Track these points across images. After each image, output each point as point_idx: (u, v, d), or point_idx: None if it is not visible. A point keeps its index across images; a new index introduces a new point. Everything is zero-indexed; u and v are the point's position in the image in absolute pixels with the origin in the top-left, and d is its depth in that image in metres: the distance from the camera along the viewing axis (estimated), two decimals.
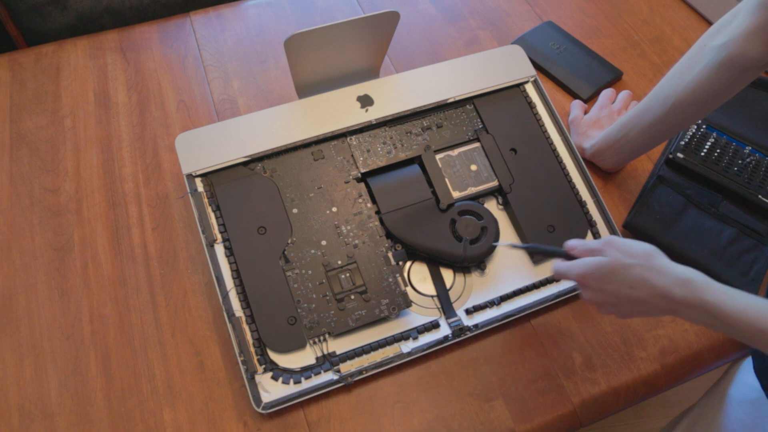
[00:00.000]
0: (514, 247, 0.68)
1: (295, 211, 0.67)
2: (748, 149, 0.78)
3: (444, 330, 0.65)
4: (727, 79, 0.59)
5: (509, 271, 0.69)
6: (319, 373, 0.61)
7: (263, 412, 0.59)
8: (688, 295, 0.48)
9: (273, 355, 0.61)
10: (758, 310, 0.46)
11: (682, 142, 0.79)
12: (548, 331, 0.68)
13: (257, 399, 0.59)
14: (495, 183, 0.72)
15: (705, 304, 0.47)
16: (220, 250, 0.64)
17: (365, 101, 0.73)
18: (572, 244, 0.57)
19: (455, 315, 0.66)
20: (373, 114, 0.72)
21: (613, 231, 0.72)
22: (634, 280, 0.50)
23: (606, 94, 0.83)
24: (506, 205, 0.72)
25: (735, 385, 0.68)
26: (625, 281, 0.50)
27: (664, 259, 0.50)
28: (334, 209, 0.68)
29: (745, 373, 0.67)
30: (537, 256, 0.69)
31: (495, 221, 0.69)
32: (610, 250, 0.52)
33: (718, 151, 0.78)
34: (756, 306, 0.46)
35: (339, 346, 0.63)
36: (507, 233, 0.71)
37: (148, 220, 0.72)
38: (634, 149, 0.73)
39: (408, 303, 0.64)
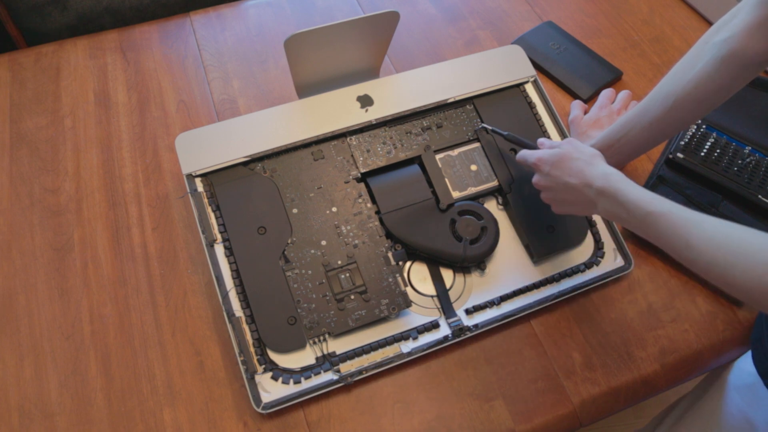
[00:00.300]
0: (494, 131, 0.72)
1: (295, 211, 0.67)
2: (748, 149, 0.78)
3: (444, 330, 0.65)
4: (729, 75, 0.60)
5: (509, 271, 0.69)
6: (319, 373, 0.61)
7: (263, 412, 0.59)
8: (605, 184, 0.55)
9: (273, 355, 0.61)
10: (651, 196, 0.52)
11: (682, 142, 0.79)
12: (548, 331, 0.68)
13: (257, 399, 0.59)
14: (495, 183, 0.72)
15: (616, 192, 0.54)
16: (220, 250, 0.64)
17: (365, 101, 0.73)
18: (541, 140, 0.66)
19: (455, 315, 0.66)
20: (373, 114, 0.72)
21: (613, 231, 0.72)
22: (574, 169, 0.58)
23: (606, 94, 0.83)
24: (506, 205, 0.72)
25: (733, 373, 0.69)
26: (566, 169, 0.58)
27: (601, 160, 0.58)
28: (334, 209, 0.68)
29: (743, 361, 0.68)
30: (515, 148, 0.73)
31: (495, 221, 0.69)
32: (567, 145, 0.61)
33: (718, 151, 0.78)
34: (651, 195, 0.53)
35: (339, 346, 0.63)
36: (507, 233, 0.71)
37: (148, 220, 0.72)
38: (635, 149, 0.73)
39: (408, 303, 0.65)
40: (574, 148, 0.59)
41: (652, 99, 0.67)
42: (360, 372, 0.62)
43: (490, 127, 0.72)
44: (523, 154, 0.65)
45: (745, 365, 0.67)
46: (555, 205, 0.62)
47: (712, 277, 0.48)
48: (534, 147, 0.66)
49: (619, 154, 0.75)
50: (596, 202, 0.56)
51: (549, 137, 0.75)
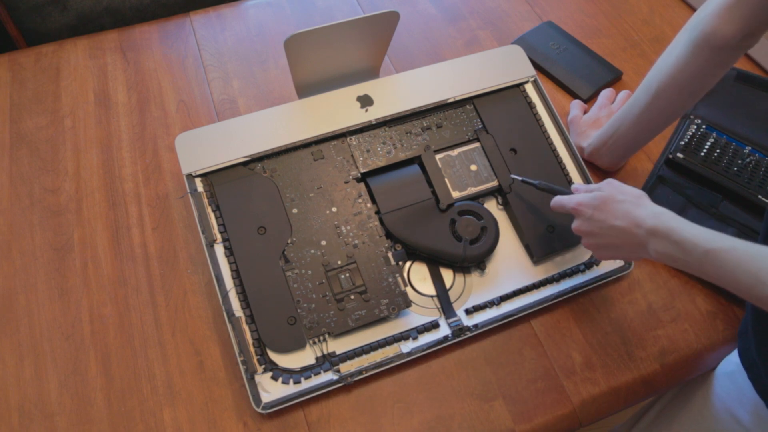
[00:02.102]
0: (525, 181, 0.69)
1: (295, 211, 0.67)
2: (748, 149, 0.78)
3: (444, 330, 0.65)
4: (702, 58, 0.60)
5: (509, 271, 0.69)
6: (319, 373, 0.61)
7: (263, 412, 0.59)
8: (658, 223, 0.52)
9: (273, 355, 0.61)
10: (710, 233, 0.50)
11: (682, 142, 0.79)
12: (548, 331, 0.68)
13: (257, 399, 0.59)
14: (495, 183, 0.72)
15: (668, 231, 0.51)
16: (219, 250, 0.64)
17: (365, 101, 0.73)
18: (577, 186, 0.63)
19: (455, 315, 0.66)
20: (373, 114, 0.72)
21: None
22: (620, 212, 0.55)
23: (605, 94, 0.83)
24: (506, 205, 0.72)
25: (720, 363, 0.69)
26: (612, 212, 0.56)
27: (648, 200, 0.56)
28: (334, 209, 0.68)
29: (732, 353, 0.68)
30: (544, 194, 0.70)
31: (495, 221, 0.69)
32: (607, 187, 0.58)
33: (717, 151, 0.78)
34: (709, 232, 0.50)
35: (339, 346, 0.63)
36: (507, 233, 0.71)
37: (148, 220, 0.72)
38: (628, 144, 0.73)
39: (408, 303, 0.65)
40: (617, 190, 0.57)
41: (638, 91, 0.68)
42: (360, 372, 0.62)
43: (519, 178, 0.69)
44: (560, 200, 0.62)
45: (732, 356, 0.67)
46: (599, 251, 0.60)
47: None
48: (567, 193, 0.64)
49: (614, 152, 0.75)
50: (647, 244, 0.53)
51: (549, 137, 0.75)
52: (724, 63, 0.61)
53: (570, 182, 0.73)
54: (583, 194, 0.59)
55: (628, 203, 0.55)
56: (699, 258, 0.50)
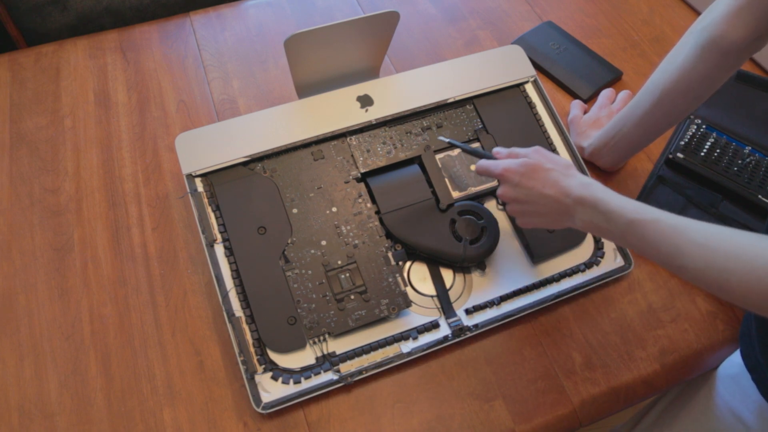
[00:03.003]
0: (451, 144, 0.69)
1: (295, 211, 0.67)
2: (748, 149, 0.78)
3: (444, 330, 0.65)
4: (710, 62, 0.60)
5: (509, 271, 0.69)
6: (319, 373, 0.61)
7: (263, 412, 0.59)
8: (585, 192, 0.53)
9: (273, 355, 0.61)
10: (635, 204, 0.51)
11: (682, 142, 0.79)
12: (548, 331, 0.68)
13: (257, 399, 0.59)
14: (495, 183, 0.72)
15: (596, 201, 0.52)
16: (219, 250, 0.64)
17: (365, 101, 0.73)
18: (498, 149, 0.62)
19: (455, 315, 0.66)
20: (373, 114, 0.72)
21: None
22: (549, 180, 0.55)
23: (605, 94, 0.83)
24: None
25: (722, 365, 0.69)
26: (540, 180, 0.56)
27: (576, 171, 0.56)
28: (334, 209, 0.68)
29: (734, 355, 0.68)
30: (471, 157, 0.69)
31: (495, 221, 0.69)
32: (534, 154, 0.58)
33: (718, 151, 0.78)
34: (635, 203, 0.51)
35: (339, 346, 0.63)
36: (507, 233, 0.71)
37: (148, 220, 0.72)
38: (629, 145, 0.73)
39: (408, 303, 0.65)
40: (545, 158, 0.57)
41: (642, 93, 0.68)
42: (360, 372, 0.62)
43: (446, 140, 0.69)
44: (485, 164, 0.60)
45: (735, 357, 0.67)
46: (523, 218, 0.59)
47: (706, 283, 0.47)
48: (488, 155, 0.63)
49: (615, 152, 0.75)
50: (574, 213, 0.54)
51: (549, 137, 0.75)
52: (731, 66, 0.61)
53: None
54: (510, 160, 0.58)
55: (557, 172, 0.55)
56: (623, 228, 0.51)
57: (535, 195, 0.56)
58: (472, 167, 0.72)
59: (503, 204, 0.61)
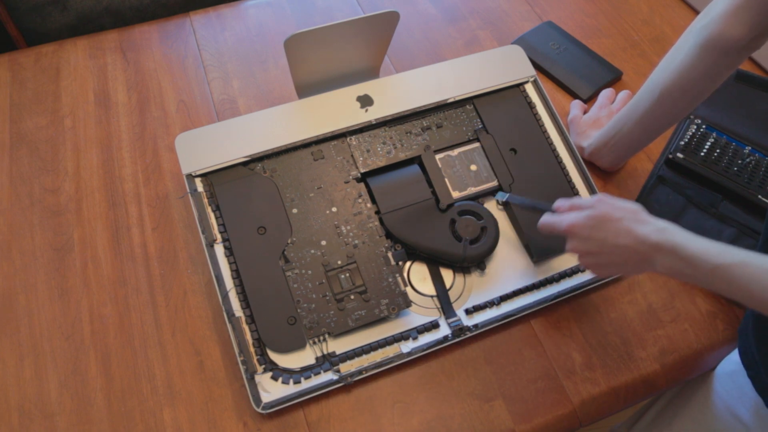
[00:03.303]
0: (507, 201, 0.69)
1: (295, 211, 0.67)
2: (748, 149, 0.78)
3: (444, 330, 0.65)
4: (709, 61, 0.60)
5: (509, 271, 0.69)
6: (319, 373, 0.61)
7: (263, 412, 0.59)
8: (662, 239, 0.51)
9: (273, 355, 0.61)
10: (718, 247, 0.49)
11: (682, 142, 0.79)
12: (548, 331, 0.68)
13: (257, 399, 0.59)
14: (495, 183, 0.72)
15: (675, 247, 0.50)
16: (219, 250, 0.64)
17: (365, 101, 0.73)
18: (559, 203, 0.60)
19: (455, 315, 0.66)
20: (373, 114, 0.72)
21: None
22: (620, 229, 0.53)
23: (605, 94, 0.83)
24: (506, 205, 0.72)
25: (721, 363, 0.69)
26: (611, 230, 0.54)
27: (647, 214, 0.54)
28: (334, 209, 0.68)
29: (731, 353, 0.68)
30: (526, 213, 0.69)
31: (495, 221, 0.69)
32: (600, 204, 0.56)
33: (717, 151, 0.78)
34: (717, 246, 0.49)
35: (339, 346, 0.63)
36: (507, 233, 0.71)
37: (148, 220, 0.72)
38: (629, 145, 0.73)
39: (408, 303, 0.65)
40: (612, 207, 0.55)
41: (641, 93, 0.68)
42: (360, 372, 0.62)
43: (504, 199, 0.69)
44: (548, 222, 0.59)
45: (733, 355, 0.67)
46: (600, 269, 0.58)
47: None
48: (550, 210, 0.61)
49: (615, 152, 0.75)
50: (653, 260, 0.52)
51: (549, 137, 0.75)
52: (731, 65, 0.61)
53: (570, 182, 0.73)
54: (575, 214, 0.57)
55: (627, 220, 0.53)
56: (708, 273, 0.49)
57: (609, 246, 0.54)
58: (473, 167, 0.72)
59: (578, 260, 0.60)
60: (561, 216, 0.58)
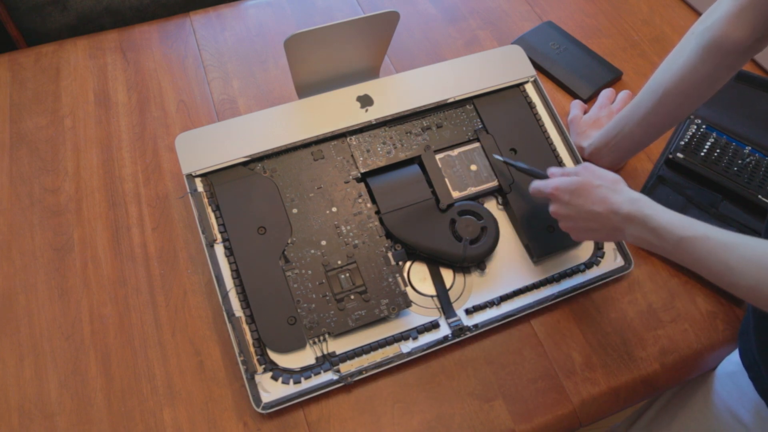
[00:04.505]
0: (507, 163, 0.70)
1: (295, 211, 0.67)
2: (748, 149, 0.78)
3: (444, 330, 0.65)
4: (712, 63, 0.60)
5: (509, 271, 0.69)
6: (319, 373, 0.61)
7: (263, 412, 0.59)
8: (633, 209, 0.54)
9: (273, 355, 0.61)
10: (685, 221, 0.51)
11: (682, 142, 0.79)
12: (548, 331, 0.68)
13: (257, 399, 0.59)
14: (495, 183, 0.72)
15: (645, 218, 0.53)
16: (219, 250, 0.64)
17: (365, 101, 0.73)
18: (553, 170, 0.63)
19: (455, 315, 0.66)
20: (373, 114, 0.72)
21: None
22: (597, 197, 0.56)
23: (605, 93, 0.83)
24: (506, 205, 0.72)
25: (721, 363, 0.69)
26: (589, 197, 0.57)
27: (625, 186, 0.57)
28: (334, 209, 0.68)
29: (732, 353, 0.69)
30: (523, 185, 0.71)
31: (495, 221, 0.69)
32: (584, 171, 0.59)
33: (718, 151, 0.78)
34: (684, 219, 0.52)
35: (339, 346, 0.63)
36: (507, 233, 0.71)
37: (148, 220, 0.72)
38: (630, 146, 0.73)
39: (408, 303, 0.65)
40: (594, 175, 0.58)
41: (643, 94, 0.68)
42: (360, 372, 0.62)
43: (501, 158, 0.71)
44: (537, 185, 0.63)
45: (733, 356, 0.67)
46: (577, 233, 0.61)
47: (756, 298, 0.47)
48: (544, 176, 0.64)
49: (615, 152, 0.75)
50: (624, 229, 0.55)
51: (549, 137, 0.75)
52: (733, 67, 0.61)
53: None
54: (560, 179, 0.60)
55: (605, 188, 0.56)
56: (673, 244, 0.51)
57: (585, 212, 0.57)
58: (473, 167, 0.72)
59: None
60: (548, 181, 0.61)
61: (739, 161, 0.77)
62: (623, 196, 0.55)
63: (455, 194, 0.70)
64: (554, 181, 0.60)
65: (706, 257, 0.49)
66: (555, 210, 0.61)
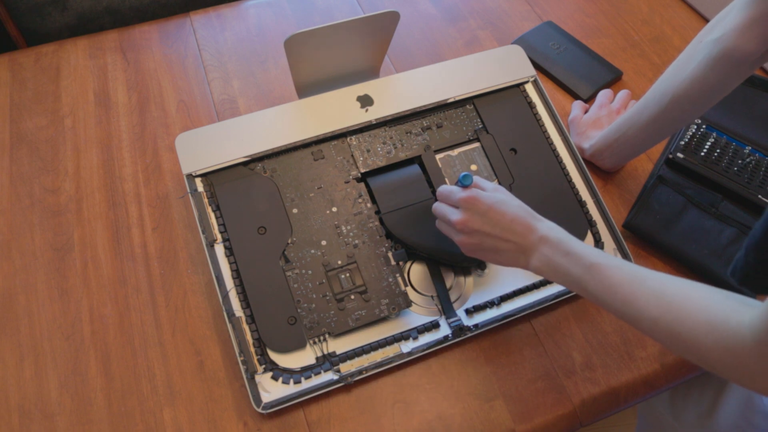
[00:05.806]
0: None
1: (295, 211, 0.67)
2: (748, 149, 0.78)
3: (444, 330, 0.65)
4: (722, 73, 0.60)
5: (509, 271, 0.69)
6: (319, 373, 0.61)
7: (263, 412, 0.59)
8: (551, 232, 0.55)
9: (273, 355, 0.61)
10: (599, 251, 0.53)
11: (682, 142, 0.79)
12: (548, 331, 0.68)
13: (257, 399, 0.59)
14: (495, 183, 0.72)
15: (560, 241, 0.54)
16: (220, 250, 0.64)
17: (365, 101, 0.73)
18: (444, 187, 0.61)
19: (455, 315, 0.66)
20: (373, 114, 0.72)
21: (612, 231, 0.72)
22: (517, 215, 0.56)
23: (605, 93, 0.83)
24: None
25: None
26: (510, 213, 0.56)
27: (542, 218, 0.58)
28: (334, 209, 0.68)
29: None
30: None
31: None
32: (503, 193, 0.58)
33: (718, 151, 0.78)
34: (599, 251, 0.53)
35: (339, 346, 0.63)
36: None
37: (148, 220, 0.72)
38: (633, 148, 0.73)
39: (408, 303, 0.65)
40: (511, 197, 0.58)
41: (648, 98, 0.68)
42: (360, 372, 0.62)
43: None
44: (451, 188, 0.60)
45: None
46: (474, 249, 0.58)
47: (657, 332, 0.48)
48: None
49: (617, 154, 0.75)
50: (533, 252, 0.55)
51: (549, 137, 0.75)
52: (741, 76, 0.61)
53: (570, 182, 0.73)
54: (477, 191, 0.58)
55: (525, 210, 0.57)
56: (584, 269, 0.52)
57: (501, 227, 0.56)
58: (473, 167, 0.72)
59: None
60: (469, 190, 0.59)
61: (739, 161, 0.77)
62: (542, 221, 0.56)
63: None
64: (475, 190, 0.58)
65: (615, 285, 0.50)
66: (466, 220, 0.57)
